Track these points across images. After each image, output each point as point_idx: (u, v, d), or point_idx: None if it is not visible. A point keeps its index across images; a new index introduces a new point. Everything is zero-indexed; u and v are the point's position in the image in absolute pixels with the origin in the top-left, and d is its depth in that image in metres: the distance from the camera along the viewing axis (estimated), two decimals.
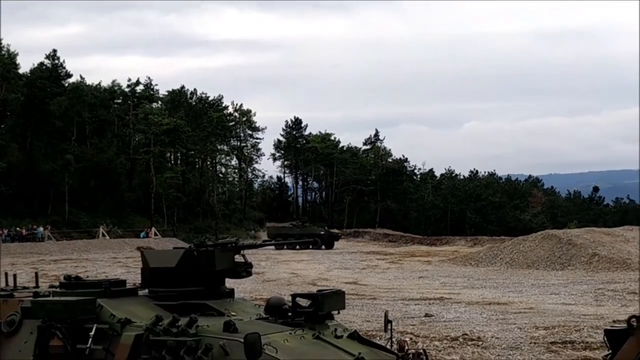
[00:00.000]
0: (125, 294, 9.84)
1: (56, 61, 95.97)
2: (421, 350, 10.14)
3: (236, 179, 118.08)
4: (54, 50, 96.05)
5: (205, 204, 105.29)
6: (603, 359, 9.74)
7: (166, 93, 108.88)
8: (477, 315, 28.00)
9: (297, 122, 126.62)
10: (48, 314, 9.12)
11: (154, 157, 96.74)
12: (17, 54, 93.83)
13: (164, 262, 10.13)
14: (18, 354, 9.34)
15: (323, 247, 75.83)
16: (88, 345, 8.93)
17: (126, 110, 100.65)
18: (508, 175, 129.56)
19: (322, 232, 77.51)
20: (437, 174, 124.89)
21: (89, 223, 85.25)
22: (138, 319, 9.08)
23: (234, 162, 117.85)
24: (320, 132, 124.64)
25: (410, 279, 44.51)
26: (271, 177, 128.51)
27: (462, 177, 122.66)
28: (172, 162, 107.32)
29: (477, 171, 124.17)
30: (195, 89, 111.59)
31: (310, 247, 72.41)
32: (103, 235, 79.68)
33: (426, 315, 27.82)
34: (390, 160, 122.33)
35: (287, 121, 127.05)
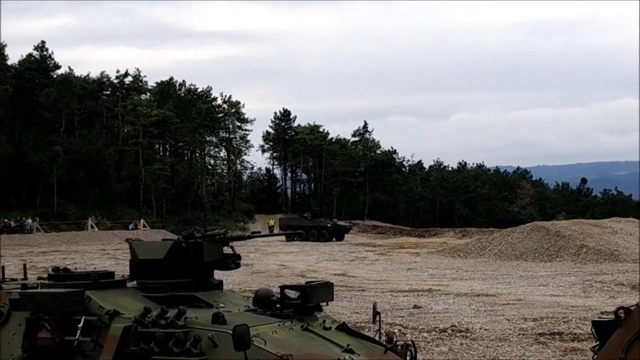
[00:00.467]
0: (114, 285, 9.83)
1: (45, 52, 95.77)
2: (410, 342, 10.16)
3: (225, 171, 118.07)
4: (43, 42, 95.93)
5: (194, 196, 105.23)
6: (591, 350, 9.77)
7: (155, 84, 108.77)
8: (466, 306, 28.05)
9: (285, 114, 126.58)
10: (36, 305, 9.11)
11: (142, 148, 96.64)
12: (5, 45, 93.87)
13: (152, 253, 10.12)
14: (6, 346, 9.34)
15: (334, 239, 75.93)
16: (76, 337, 8.92)
17: (115, 101, 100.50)
18: (496, 167, 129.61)
19: (328, 225, 77.36)
20: (426, 165, 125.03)
21: (77, 215, 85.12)
22: (126, 311, 9.08)
23: (223, 153, 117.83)
24: (309, 123, 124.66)
25: (399, 271, 44.55)
26: (260, 168, 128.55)
27: (450, 168, 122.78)
28: (161, 153, 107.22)
29: (465, 163, 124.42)
30: (184, 81, 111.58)
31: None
32: (92, 227, 79.58)
33: (415, 306, 27.85)
34: (379, 152, 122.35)
35: (275, 113, 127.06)
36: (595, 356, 9.05)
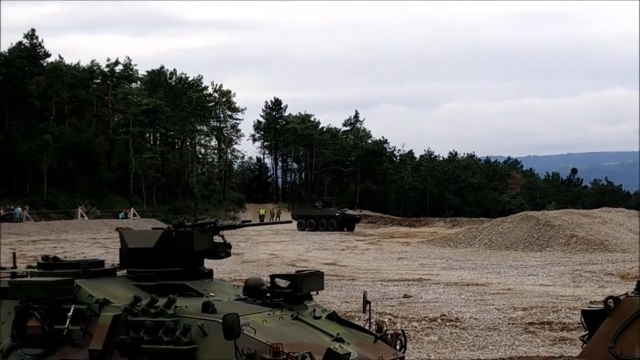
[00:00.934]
0: (104, 274, 9.83)
1: (35, 40, 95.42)
2: (400, 331, 10.18)
3: (215, 160, 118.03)
4: (33, 30, 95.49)
5: (185, 185, 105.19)
6: (580, 339, 9.79)
7: (145, 73, 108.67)
8: (456, 296, 28.09)
9: (276, 103, 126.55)
10: (26, 294, 9.11)
11: (133, 137, 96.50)
12: None
13: (142, 242, 10.11)
14: None
15: (345, 229, 75.51)
16: (66, 326, 8.92)
17: (105, 90, 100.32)
18: (487, 156, 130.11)
19: (337, 214, 76.82)
20: (417, 155, 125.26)
21: (67, 203, 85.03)
22: (116, 300, 9.08)
23: (214, 142, 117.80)
24: (300, 113, 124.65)
25: (389, 260, 44.57)
26: (251, 158, 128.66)
27: (441, 158, 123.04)
28: (152, 142, 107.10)
29: (456, 152, 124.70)
30: (174, 69, 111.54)
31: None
32: (82, 215, 79.51)
33: (405, 296, 27.88)
34: (369, 141, 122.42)
35: (266, 102, 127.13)
36: (585, 345, 9.08)
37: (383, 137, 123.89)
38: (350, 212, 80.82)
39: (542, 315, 23.06)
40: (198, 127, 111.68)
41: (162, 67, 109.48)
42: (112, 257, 23.81)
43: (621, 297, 8.74)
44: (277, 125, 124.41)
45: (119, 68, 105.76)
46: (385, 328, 9.87)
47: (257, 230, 66.28)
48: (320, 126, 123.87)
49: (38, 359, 9.03)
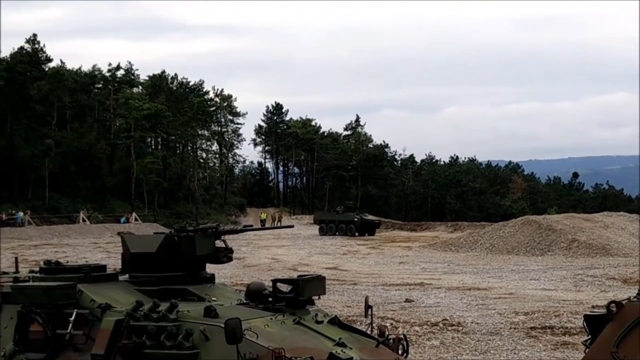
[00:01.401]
0: (106, 279, 9.82)
1: (36, 45, 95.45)
2: (401, 336, 10.17)
3: (217, 164, 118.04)
4: (34, 35, 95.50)
5: (186, 189, 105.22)
6: (582, 344, 9.79)
7: (147, 78, 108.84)
8: (457, 300, 28.10)
9: (277, 108, 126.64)
10: (28, 299, 9.11)
11: (134, 142, 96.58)
12: None
13: (144, 247, 10.11)
14: None
15: (366, 234, 74.99)
16: (68, 331, 8.92)
17: (107, 94, 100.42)
18: (488, 161, 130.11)
19: (355, 219, 76.23)
20: (418, 159, 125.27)
21: (69, 208, 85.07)
22: (118, 304, 9.08)
23: (215, 147, 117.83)
24: (301, 117, 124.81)
25: (391, 265, 44.58)
26: (252, 162, 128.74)
27: (442, 162, 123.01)
28: (153, 147, 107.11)
29: (457, 157, 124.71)
30: (176, 74, 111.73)
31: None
32: (83, 220, 79.51)
33: (406, 300, 27.88)
34: (371, 145, 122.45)
35: (268, 106, 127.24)
36: (587, 350, 9.07)
37: (384, 142, 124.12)
38: (370, 217, 79.88)
39: (544, 320, 23.07)
40: (199, 132, 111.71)
41: (164, 72, 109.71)
42: (114, 262, 23.84)
43: (623, 302, 8.72)
44: (278, 129, 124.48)
45: (120, 73, 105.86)
46: (387, 332, 9.86)
47: (258, 234, 66.28)
48: (322, 130, 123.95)
49: None
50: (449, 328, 21.95)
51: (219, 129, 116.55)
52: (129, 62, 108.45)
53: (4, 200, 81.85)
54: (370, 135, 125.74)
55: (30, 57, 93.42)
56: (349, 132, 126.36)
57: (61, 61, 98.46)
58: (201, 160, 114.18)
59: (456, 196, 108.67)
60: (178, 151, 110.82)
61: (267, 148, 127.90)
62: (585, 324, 9.31)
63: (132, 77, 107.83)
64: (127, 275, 10.11)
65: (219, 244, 10.38)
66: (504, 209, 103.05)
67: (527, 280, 35.61)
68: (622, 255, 46.08)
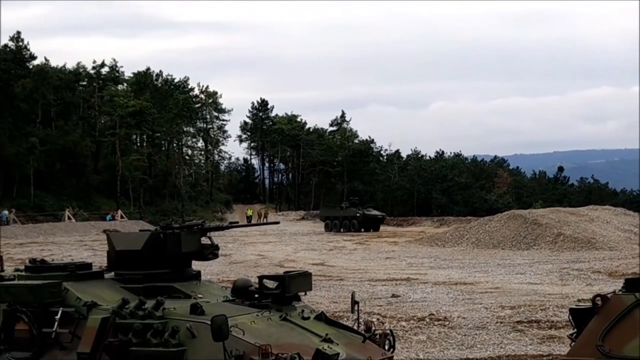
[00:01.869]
0: (91, 277, 9.81)
1: (20, 43, 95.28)
2: (388, 331, 10.18)
3: (202, 161, 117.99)
4: (18, 32, 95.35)
5: (172, 186, 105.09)
6: (568, 337, 9.80)
7: (132, 75, 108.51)
8: (444, 295, 28.12)
9: (263, 104, 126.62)
10: (13, 297, 9.09)
11: (119, 139, 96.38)
12: None
13: (130, 244, 10.10)
14: None
15: (371, 229, 73.75)
16: (54, 329, 8.90)
17: (91, 92, 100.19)
18: (474, 155, 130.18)
19: (357, 214, 74.88)
20: (404, 154, 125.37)
21: (54, 206, 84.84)
22: (104, 302, 9.06)
23: (200, 144, 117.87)
24: (286, 113, 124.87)
25: (377, 260, 44.58)
26: (237, 159, 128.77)
27: (428, 157, 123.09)
28: (138, 144, 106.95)
29: (443, 152, 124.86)
30: (160, 71, 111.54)
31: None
32: (69, 218, 79.30)
33: (393, 295, 27.89)
34: (356, 141, 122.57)
35: (253, 103, 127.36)
36: (573, 344, 9.09)
37: (370, 137, 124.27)
38: (372, 212, 78.19)
39: (530, 314, 23.11)
40: (185, 129, 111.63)
41: (149, 69, 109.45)
42: (99, 260, 23.77)
43: (609, 295, 8.75)
44: (263, 126, 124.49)
45: (105, 70, 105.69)
46: (373, 328, 9.88)
47: (244, 231, 66.22)
48: (307, 127, 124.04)
49: None
50: (436, 323, 21.97)
51: (205, 125, 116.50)
52: (114, 59, 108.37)
53: None
54: (356, 131, 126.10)
55: (14, 54, 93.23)
56: (334, 128, 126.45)
57: (45, 59, 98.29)
58: (187, 157, 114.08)
59: (442, 191, 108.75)
60: (163, 148, 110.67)
61: (252, 144, 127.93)
62: (570, 317, 9.34)
63: (117, 74, 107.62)
64: (112, 273, 10.10)
65: (204, 241, 10.39)
66: (489, 203, 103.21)
67: (513, 274, 35.66)
68: (607, 249, 46.21)
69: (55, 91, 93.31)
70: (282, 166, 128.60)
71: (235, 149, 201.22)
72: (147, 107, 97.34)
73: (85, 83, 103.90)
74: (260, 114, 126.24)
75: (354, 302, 10.21)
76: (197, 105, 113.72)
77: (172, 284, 9.82)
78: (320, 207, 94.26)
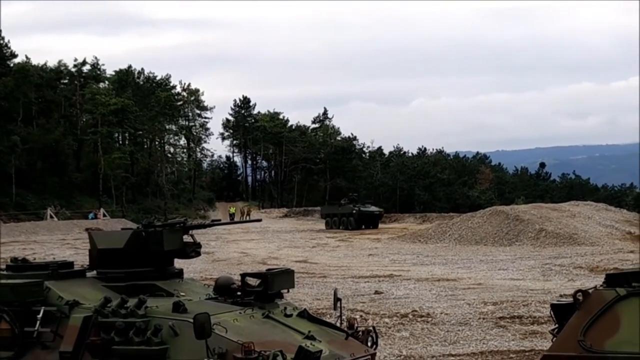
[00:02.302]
0: (73, 275, 9.79)
1: (1, 41, 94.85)
2: (371, 328, 10.19)
3: (185, 159, 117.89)
4: None
5: (154, 184, 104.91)
6: (550, 332, 9.85)
7: (113, 73, 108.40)
8: (427, 291, 28.17)
9: (245, 101, 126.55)
10: None
11: (101, 137, 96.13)
12: None
13: (112, 243, 10.10)
14: None
15: (363, 226, 71.99)
16: (36, 328, 8.88)
17: (73, 90, 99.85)
18: (456, 152, 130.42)
19: (353, 211, 72.86)
20: (386, 151, 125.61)
21: (36, 205, 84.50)
22: (86, 301, 9.04)
23: (183, 141, 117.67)
24: (268, 111, 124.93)
25: (360, 257, 44.63)
26: (220, 156, 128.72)
27: (410, 154, 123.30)
28: (120, 142, 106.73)
29: (425, 148, 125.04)
30: (142, 69, 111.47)
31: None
32: (51, 217, 79.03)
33: (376, 292, 27.92)
34: (339, 138, 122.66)
35: (235, 100, 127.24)
36: (554, 339, 9.14)
37: (352, 134, 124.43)
38: (370, 208, 75.69)
39: (512, 310, 23.18)
40: (167, 126, 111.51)
41: (130, 67, 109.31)
42: (82, 258, 23.72)
43: (590, 291, 8.80)
44: (246, 123, 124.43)
45: (86, 68, 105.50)
46: (356, 325, 9.89)
47: (227, 229, 66.18)
48: (289, 124, 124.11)
49: None
50: (419, 319, 22.02)
51: (187, 123, 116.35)
52: (95, 57, 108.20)
53: None
54: (339, 128, 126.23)
55: None
56: (317, 125, 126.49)
57: (26, 57, 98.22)
58: (169, 155, 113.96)
59: (424, 187, 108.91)
60: (146, 146, 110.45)
61: (235, 142, 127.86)
62: (552, 313, 9.38)
63: (99, 72, 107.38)
64: (95, 272, 10.08)
65: (187, 238, 10.38)
66: (472, 199, 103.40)
67: (495, 270, 35.76)
68: (589, 244, 46.38)
69: (36, 89, 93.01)
70: (264, 164, 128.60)
71: (217, 147, 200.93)
72: (129, 105, 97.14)
73: (66, 81, 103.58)
74: (243, 111, 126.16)
75: (337, 299, 10.22)
76: (179, 103, 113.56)
77: (154, 282, 9.81)
78: (321, 204, 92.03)
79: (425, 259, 42.69)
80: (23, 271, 9.65)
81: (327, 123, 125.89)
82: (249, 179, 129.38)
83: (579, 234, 49.10)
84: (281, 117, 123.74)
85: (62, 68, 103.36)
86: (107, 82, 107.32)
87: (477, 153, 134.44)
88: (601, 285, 8.91)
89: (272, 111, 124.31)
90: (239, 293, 9.56)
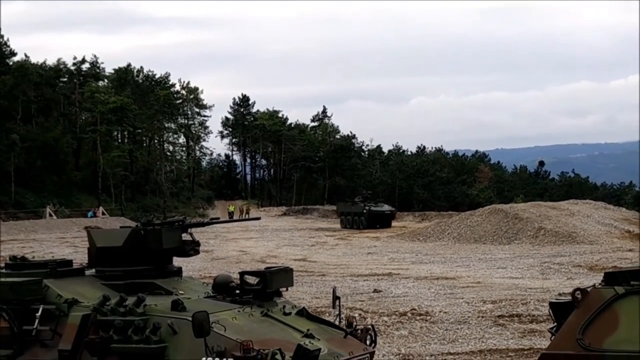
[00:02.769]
0: (72, 274, 9.80)
1: (0, 39, 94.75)
2: (370, 326, 10.20)
3: (184, 157, 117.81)
4: None
5: (153, 183, 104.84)
6: (549, 331, 9.86)
7: (112, 71, 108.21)
8: (425, 290, 28.17)
9: (244, 100, 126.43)
10: None
11: (100, 135, 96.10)
12: None
13: (110, 241, 10.10)
14: None
15: (377, 226, 68.81)
16: (35, 327, 8.89)
17: (72, 88, 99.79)
18: (455, 150, 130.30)
19: (364, 210, 70.55)
20: (385, 150, 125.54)
21: (35, 203, 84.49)
22: (85, 299, 9.05)
23: (182, 140, 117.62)
24: (268, 109, 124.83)
25: (359, 255, 44.63)
26: (219, 154, 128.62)
27: (409, 152, 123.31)
28: (119, 140, 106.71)
29: (424, 147, 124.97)
30: (141, 67, 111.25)
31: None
32: (50, 215, 79.04)
33: (375, 291, 27.93)
34: (338, 136, 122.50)
35: (234, 98, 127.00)
36: (553, 337, 9.14)
37: (351, 133, 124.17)
38: (384, 206, 73.18)
39: (511, 308, 23.18)
40: (166, 125, 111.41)
41: (129, 65, 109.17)
42: (81, 257, 23.73)
43: (588, 289, 8.80)
44: (245, 121, 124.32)
45: (85, 66, 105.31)
46: (355, 323, 9.89)
47: (226, 227, 66.18)
48: (289, 122, 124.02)
49: None
50: (417, 318, 22.02)
51: (186, 121, 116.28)
52: (94, 56, 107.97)
53: None
54: (337, 127, 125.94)
55: None
56: (316, 124, 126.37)
57: (25, 55, 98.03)
58: (168, 153, 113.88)
59: (423, 186, 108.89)
60: (145, 144, 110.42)
61: (234, 140, 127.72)
62: (551, 311, 9.39)
63: (98, 70, 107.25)
64: (93, 270, 10.09)
65: (186, 237, 10.38)
66: (471, 198, 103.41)
67: (494, 268, 35.76)
68: (588, 243, 46.38)
69: (35, 88, 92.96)
70: (263, 162, 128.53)
71: (216, 145, 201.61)
72: (128, 104, 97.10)
73: (65, 79, 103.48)
74: (242, 109, 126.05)
75: (336, 298, 10.23)
76: (178, 101, 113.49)
77: (153, 280, 9.82)
78: (336, 202, 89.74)
79: (424, 257, 42.70)
80: (22, 269, 9.66)
81: (326, 121, 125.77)
82: (248, 177, 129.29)
83: (577, 233, 49.10)
84: (280, 115, 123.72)
85: (61, 66, 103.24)
86: (106, 80, 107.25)
87: (476, 151, 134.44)
88: (600, 284, 8.92)
89: (271, 109, 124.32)
90: (237, 291, 9.57)
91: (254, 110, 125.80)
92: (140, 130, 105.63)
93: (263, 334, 8.70)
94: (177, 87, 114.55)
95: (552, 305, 9.42)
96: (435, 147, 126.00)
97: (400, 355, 17.55)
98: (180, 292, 9.65)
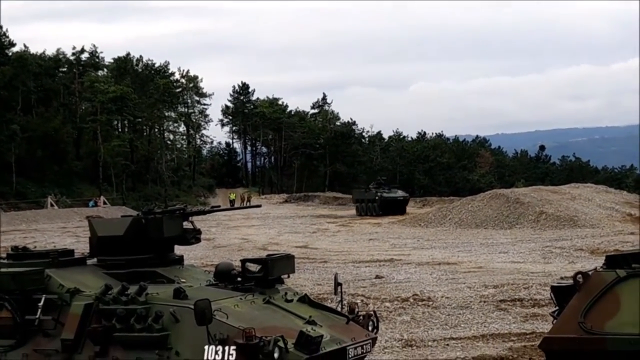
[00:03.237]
0: (74, 263, 9.81)
1: None
2: (372, 312, 10.22)
3: (184, 146, 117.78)
4: None
5: (154, 172, 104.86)
6: (551, 315, 9.86)
7: (112, 60, 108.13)
8: (427, 275, 28.17)
9: (244, 88, 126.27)
10: None
11: (101, 125, 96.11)
12: None
13: (112, 230, 10.11)
14: None
15: (381, 212, 66.33)
16: (37, 316, 8.91)
17: (72, 78, 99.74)
18: (456, 136, 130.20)
19: (376, 197, 68.21)
20: (385, 136, 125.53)
21: (36, 193, 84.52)
22: (87, 289, 9.07)
23: (182, 128, 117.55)
24: (267, 97, 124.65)
25: (361, 242, 44.62)
26: (220, 143, 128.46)
27: (410, 138, 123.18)
28: (120, 130, 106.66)
29: (425, 132, 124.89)
30: (141, 56, 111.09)
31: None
32: (51, 205, 79.03)
33: (376, 277, 27.92)
34: (338, 123, 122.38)
35: (234, 86, 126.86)
36: (555, 321, 9.15)
37: (351, 119, 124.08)
38: (395, 193, 70.76)
39: (513, 292, 23.18)
40: (166, 114, 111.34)
41: (129, 54, 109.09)
42: (82, 246, 23.74)
43: (590, 273, 8.81)
44: (245, 109, 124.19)
45: (85, 56, 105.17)
46: (357, 309, 9.92)
47: (228, 215, 66.17)
48: (289, 109, 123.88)
49: (10, 350, 9.01)
50: (419, 303, 22.02)
51: (186, 110, 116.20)
52: (94, 45, 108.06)
53: None
54: (338, 113, 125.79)
55: None
56: (316, 111, 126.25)
57: (25, 45, 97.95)
58: (168, 142, 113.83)
59: (424, 172, 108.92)
60: (145, 133, 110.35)
61: (234, 128, 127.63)
62: (552, 295, 9.40)
63: (97, 60, 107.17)
64: (95, 259, 10.10)
65: (187, 225, 10.39)
66: (472, 183, 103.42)
67: (496, 253, 35.75)
68: (589, 227, 46.36)
69: (35, 78, 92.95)
70: (264, 150, 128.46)
71: (217, 133, 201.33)
72: (128, 93, 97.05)
73: (65, 69, 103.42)
74: (242, 97, 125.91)
75: (337, 284, 10.24)
76: (178, 90, 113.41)
77: (154, 269, 9.83)
78: (352, 189, 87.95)
79: (426, 243, 42.69)
80: (24, 259, 9.67)
81: (327, 108, 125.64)
82: (249, 165, 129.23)
83: (579, 216, 49.06)
84: (280, 102, 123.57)
85: (61, 56, 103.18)
86: (105, 69, 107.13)
87: (477, 136, 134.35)
88: (601, 267, 8.93)
89: (271, 97, 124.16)
90: (239, 279, 9.59)
91: (254, 98, 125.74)
92: (140, 120, 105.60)
93: (265, 321, 8.71)
94: (177, 76, 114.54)
95: (554, 289, 9.43)
96: (436, 133, 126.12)
97: (403, 341, 17.55)
98: (182, 280, 9.66)
